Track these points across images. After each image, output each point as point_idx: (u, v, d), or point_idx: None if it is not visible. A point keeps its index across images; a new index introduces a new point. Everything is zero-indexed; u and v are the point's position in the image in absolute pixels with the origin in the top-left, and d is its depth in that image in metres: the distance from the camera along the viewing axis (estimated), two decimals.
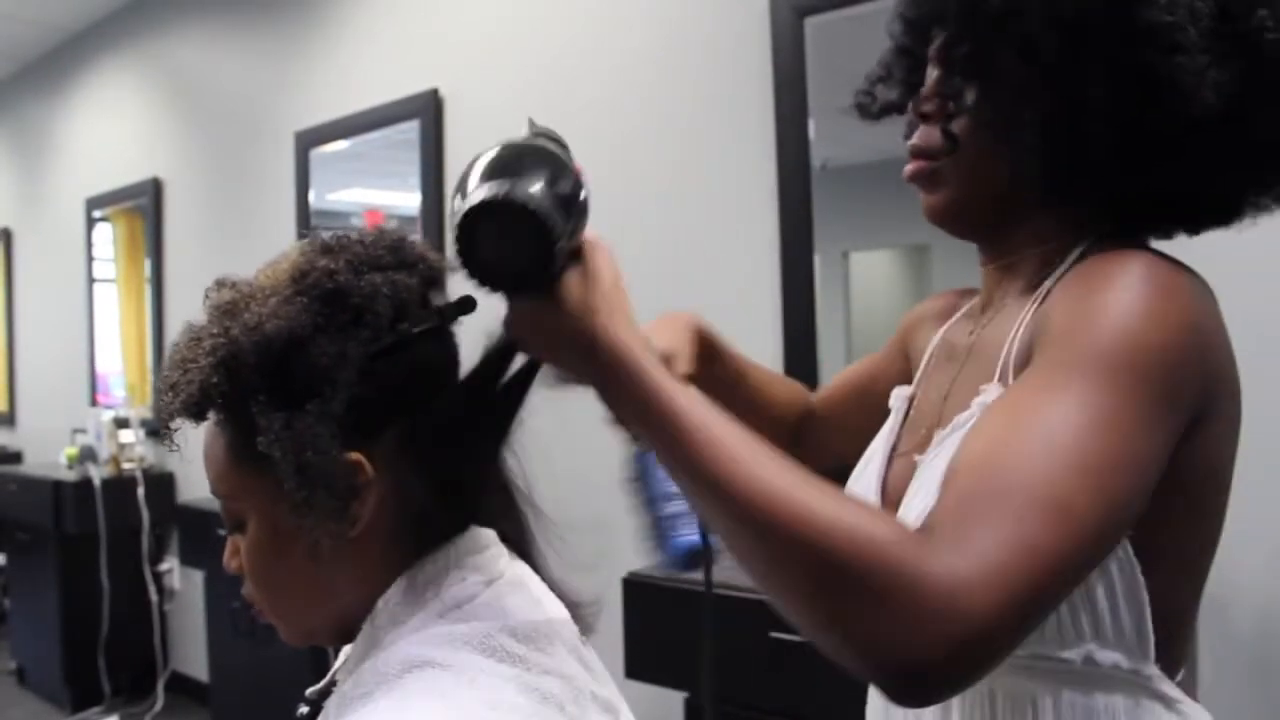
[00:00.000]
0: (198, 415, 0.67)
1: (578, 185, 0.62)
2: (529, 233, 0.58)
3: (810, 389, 1.13)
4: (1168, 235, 0.79)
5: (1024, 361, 0.70)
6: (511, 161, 0.60)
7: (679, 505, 0.70)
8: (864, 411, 0.98)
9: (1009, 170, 0.78)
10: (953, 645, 0.50)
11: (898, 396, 0.93)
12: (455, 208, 0.59)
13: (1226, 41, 0.69)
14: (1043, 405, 0.60)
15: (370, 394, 0.66)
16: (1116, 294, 0.64)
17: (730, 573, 1.88)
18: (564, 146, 0.66)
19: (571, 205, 0.60)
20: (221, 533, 3.38)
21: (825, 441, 1.01)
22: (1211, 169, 0.72)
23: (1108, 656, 0.68)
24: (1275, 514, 1.60)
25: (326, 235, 0.71)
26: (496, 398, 0.71)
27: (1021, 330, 0.73)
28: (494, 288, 0.61)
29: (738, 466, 0.56)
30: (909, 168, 0.83)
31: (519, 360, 0.70)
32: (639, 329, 0.63)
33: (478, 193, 0.58)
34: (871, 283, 2.27)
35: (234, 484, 0.69)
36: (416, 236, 0.74)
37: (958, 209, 0.81)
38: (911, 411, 0.90)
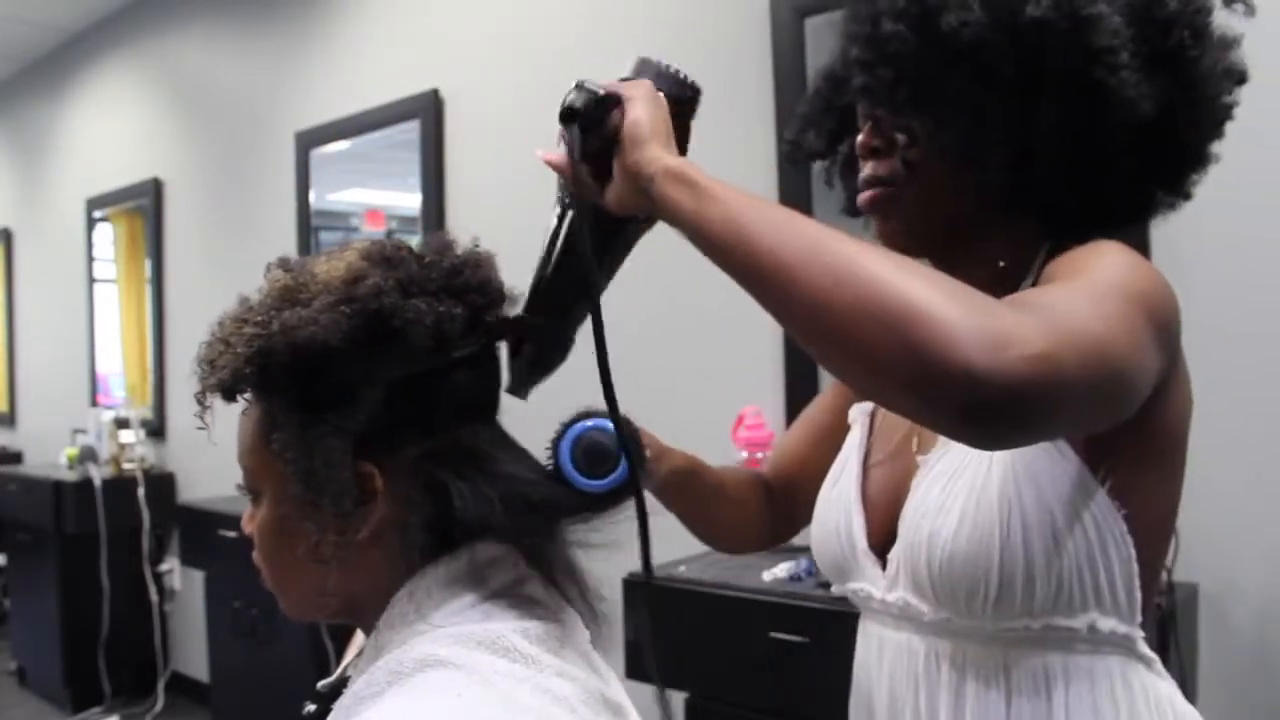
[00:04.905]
0: (229, 396, 0.69)
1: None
2: None
3: (809, 392, 1.15)
4: (1091, 238, 0.87)
5: None
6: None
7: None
8: (835, 454, 0.99)
9: (970, 190, 0.84)
10: (1028, 366, 0.55)
11: (860, 411, 0.98)
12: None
13: (1148, 60, 0.78)
14: (1073, 289, 0.68)
15: (394, 414, 0.67)
16: (1105, 257, 0.74)
17: (732, 572, 1.86)
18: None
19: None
20: (222, 533, 3.34)
21: (801, 499, 1.02)
22: (1145, 172, 0.83)
23: (1107, 623, 0.78)
24: (1275, 514, 1.60)
25: (392, 241, 0.72)
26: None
27: None
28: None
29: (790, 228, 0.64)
30: (864, 197, 0.88)
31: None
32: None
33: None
34: None
35: (255, 462, 0.71)
36: (482, 252, 0.73)
37: (918, 232, 0.87)
38: (877, 423, 0.96)
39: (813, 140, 1.01)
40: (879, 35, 0.82)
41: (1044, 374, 0.56)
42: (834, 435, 1.00)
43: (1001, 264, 0.86)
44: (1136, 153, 0.81)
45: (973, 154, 0.82)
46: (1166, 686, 0.82)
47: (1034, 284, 0.82)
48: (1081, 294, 0.66)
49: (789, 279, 0.61)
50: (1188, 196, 0.87)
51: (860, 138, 0.88)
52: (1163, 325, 0.70)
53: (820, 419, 1.07)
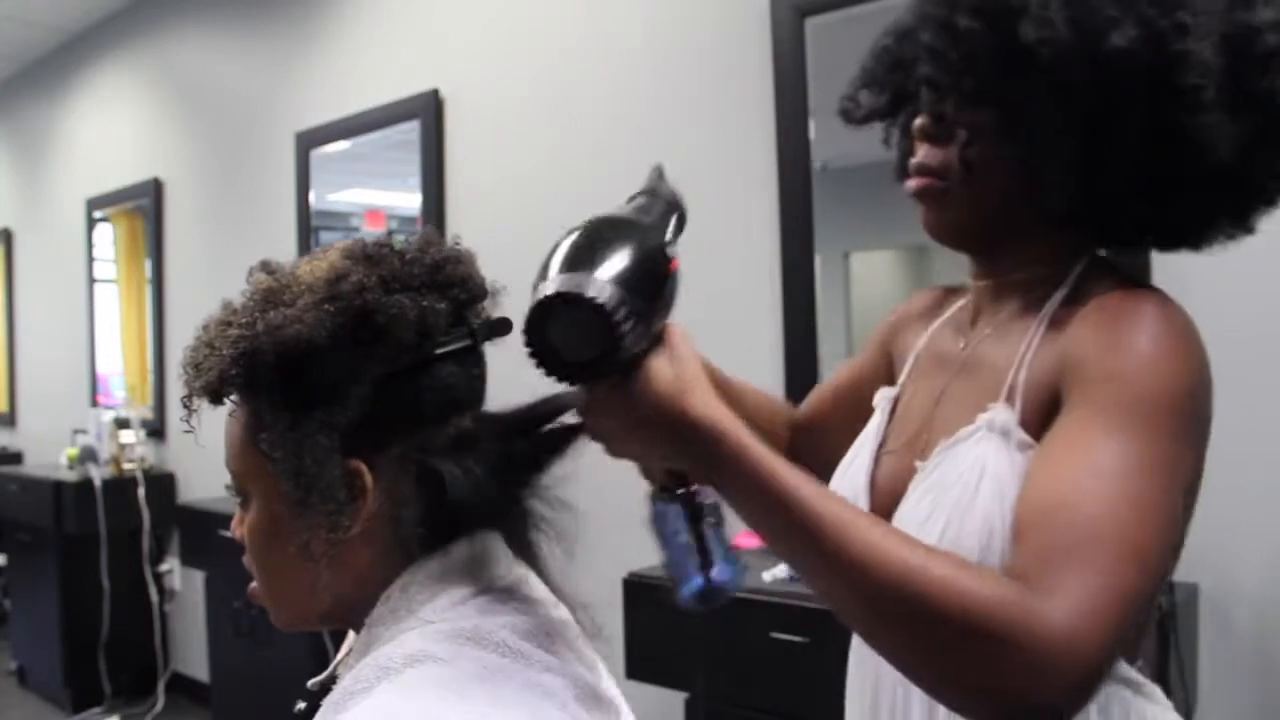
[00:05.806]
0: (215, 399, 0.69)
1: (659, 272, 0.63)
2: (596, 326, 0.58)
3: (809, 390, 1.15)
4: (1144, 252, 0.86)
5: (1042, 392, 0.76)
6: (589, 247, 0.61)
7: (683, 552, 0.70)
8: (853, 415, 1.00)
9: (1026, 198, 0.83)
10: (1072, 685, 0.59)
11: (883, 396, 0.97)
12: (536, 291, 0.60)
13: (1239, 99, 0.74)
14: (1094, 455, 0.67)
15: (381, 410, 0.67)
16: (1142, 342, 0.71)
17: None
18: (668, 212, 0.68)
19: (647, 290, 0.61)
20: (222, 533, 3.35)
21: (817, 449, 1.03)
22: (1211, 206, 0.80)
23: None
24: (1275, 515, 1.60)
25: (373, 239, 0.72)
26: (523, 447, 0.72)
27: (1030, 355, 0.79)
28: (563, 377, 0.61)
29: (851, 540, 0.61)
30: (914, 183, 0.86)
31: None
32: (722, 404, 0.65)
33: (550, 285, 0.59)
34: (872, 283, 2.28)
35: (243, 465, 0.71)
36: (462, 249, 0.73)
37: (964, 229, 0.86)
38: (898, 411, 0.95)
39: (871, 98, 0.96)
40: (953, 27, 0.78)
41: (1102, 670, 0.60)
42: (856, 395, 1.01)
43: (1034, 271, 0.84)
44: (1206, 188, 0.78)
45: (1034, 166, 0.80)
46: (1153, 709, 0.79)
47: (1069, 293, 0.81)
48: (1108, 492, 0.65)
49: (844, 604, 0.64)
50: (1250, 230, 0.83)
51: (919, 120, 0.85)
52: (1200, 425, 0.72)
53: (848, 380, 1.07)
